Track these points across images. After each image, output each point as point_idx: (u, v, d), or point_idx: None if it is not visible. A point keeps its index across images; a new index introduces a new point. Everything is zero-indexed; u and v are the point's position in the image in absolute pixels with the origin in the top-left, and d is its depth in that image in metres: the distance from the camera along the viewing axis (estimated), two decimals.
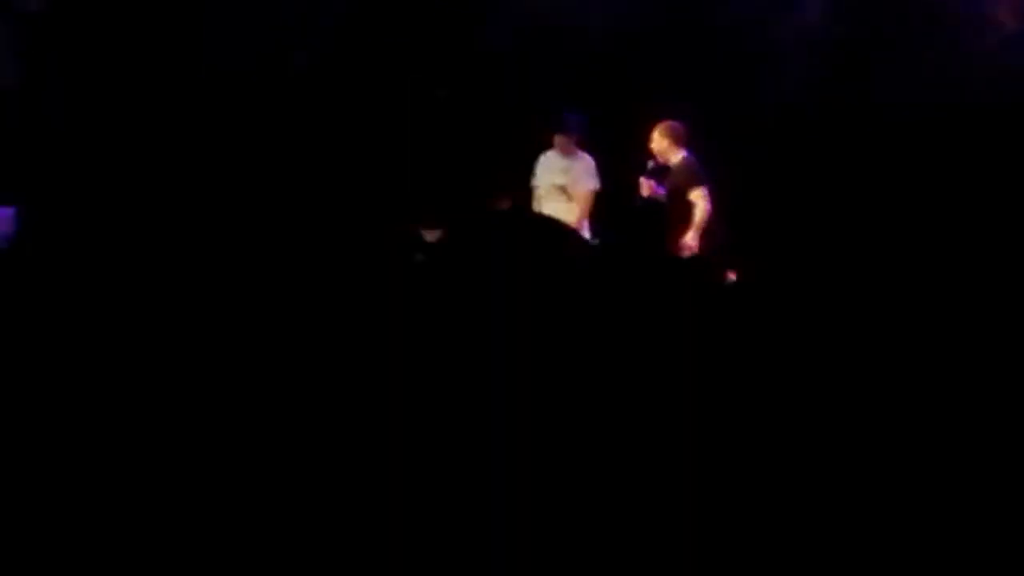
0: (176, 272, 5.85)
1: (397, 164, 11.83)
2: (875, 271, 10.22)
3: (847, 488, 4.64)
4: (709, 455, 4.67)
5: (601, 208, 10.93)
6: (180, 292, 5.57)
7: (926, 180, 11.52)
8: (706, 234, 10.26)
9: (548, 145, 10.97)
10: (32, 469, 4.72)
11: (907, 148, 11.67)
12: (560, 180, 10.82)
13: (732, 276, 9.72)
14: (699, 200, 10.33)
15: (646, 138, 10.61)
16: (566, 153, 10.88)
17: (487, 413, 4.77)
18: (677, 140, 10.48)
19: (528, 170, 11.03)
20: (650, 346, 5.03)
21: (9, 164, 11.16)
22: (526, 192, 10.98)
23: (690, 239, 10.24)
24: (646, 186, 10.51)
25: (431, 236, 10.30)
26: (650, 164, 10.53)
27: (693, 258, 9.76)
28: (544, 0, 12.50)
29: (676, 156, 10.47)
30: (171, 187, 11.15)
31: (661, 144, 10.50)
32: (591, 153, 10.93)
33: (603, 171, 10.93)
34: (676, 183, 10.42)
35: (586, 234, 10.58)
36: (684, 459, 4.67)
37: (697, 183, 10.36)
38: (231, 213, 10.25)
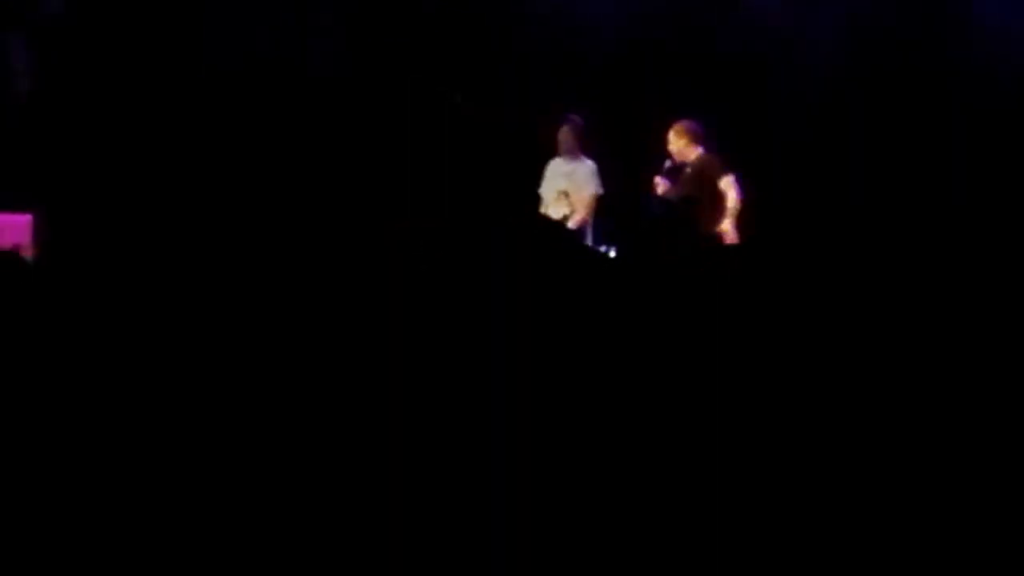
0: (184, 272, 5.99)
1: (403, 167, 11.94)
2: (889, 273, 10.23)
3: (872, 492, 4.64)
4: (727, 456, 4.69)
5: (605, 212, 11.05)
6: (186, 291, 5.70)
7: (942, 181, 11.53)
8: (741, 221, 10.20)
9: (555, 149, 11.10)
10: (46, 474, 4.84)
11: (920, 152, 11.70)
12: (563, 185, 10.92)
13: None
14: (729, 189, 10.25)
15: (662, 139, 10.58)
16: (569, 157, 11.00)
17: (487, 418, 4.85)
18: (694, 138, 10.41)
19: (538, 175, 11.18)
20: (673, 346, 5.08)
21: (22, 169, 11.28)
22: (534, 198, 11.13)
23: (727, 226, 10.16)
24: (661, 185, 10.43)
25: None
26: (667, 164, 10.48)
27: (732, 247, 9.67)
28: (554, 2, 12.54)
29: (694, 154, 10.41)
30: (180, 189, 11.26)
31: (678, 143, 10.43)
32: (596, 156, 11.04)
33: (614, 175, 11.02)
34: (702, 176, 10.33)
35: (587, 239, 10.72)
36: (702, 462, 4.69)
37: (724, 172, 10.28)
38: (237, 215, 10.37)
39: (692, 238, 9.36)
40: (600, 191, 10.93)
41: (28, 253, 9.25)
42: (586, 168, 10.97)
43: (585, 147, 11.05)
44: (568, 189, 10.91)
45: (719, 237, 10.03)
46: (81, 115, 11.88)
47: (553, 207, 10.92)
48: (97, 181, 11.36)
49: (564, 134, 10.99)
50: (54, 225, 10.11)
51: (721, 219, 10.18)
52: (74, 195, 11.08)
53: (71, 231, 10.19)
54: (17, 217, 10.09)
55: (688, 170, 10.38)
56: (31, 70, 12.08)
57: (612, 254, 9.26)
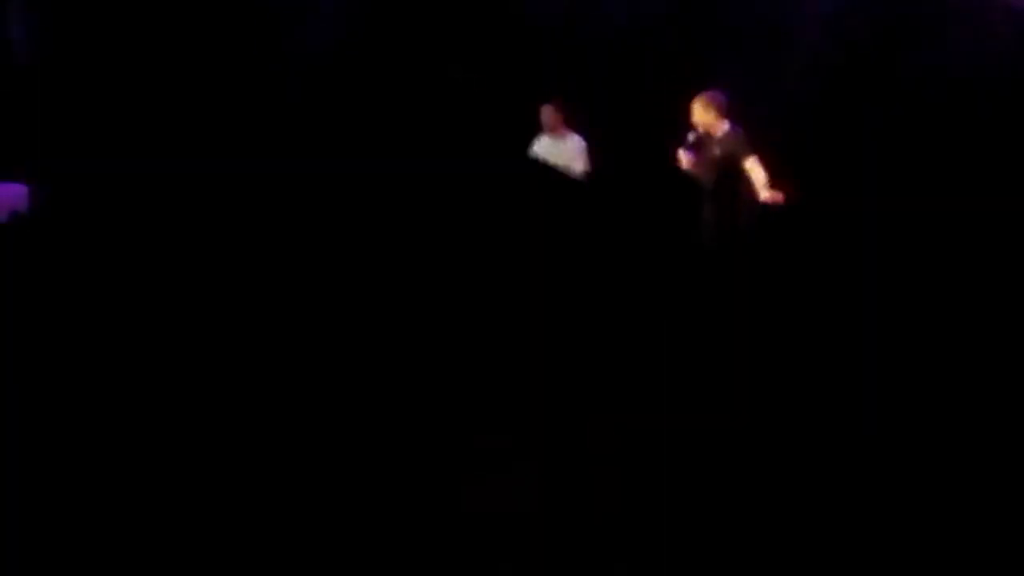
0: (199, 251, 6.02)
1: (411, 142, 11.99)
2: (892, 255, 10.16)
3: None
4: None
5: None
6: (207, 269, 5.74)
7: (943, 162, 11.55)
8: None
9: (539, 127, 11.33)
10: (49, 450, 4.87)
11: (923, 132, 11.72)
12: (552, 162, 11.05)
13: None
14: (755, 166, 10.14)
15: (685, 111, 10.41)
16: (555, 134, 11.24)
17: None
18: (721, 111, 10.26)
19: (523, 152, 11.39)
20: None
21: (20, 139, 11.35)
22: None
23: (773, 195, 10.05)
24: (685, 159, 10.30)
25: None
26: (690, 136, 10.32)
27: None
28: None
29: (722, 127, 10.27)
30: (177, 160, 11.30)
31: (706, 116, 10.25)
32: (583, 133, 11.30)
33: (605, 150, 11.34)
34: (727, 152, 10.22)
35: None
36: None
37: (750, 151, 10.17)
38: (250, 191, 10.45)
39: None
40: (588, 168, 11.19)
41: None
42: (574, 144, 11.24)
43: (569, 124, 11.28)
44: (557, 165, 11.05)
45: (759, 208, 10.04)
46: (78, 85, 11.91)
47: None
48: (94, 151, 11.41)
49: (547, 112, 11.24)
50: (51, 195, 10.17)
51: (750, 197, 10.13)
52: (71, 166, 11.13)
53: (68, 201, 10.25)
54: (14, 187, 10.19)
55: (716, 150, 10.30)
56: (29, 39, 12.10)
57: None
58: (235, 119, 11.93)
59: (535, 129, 11.44)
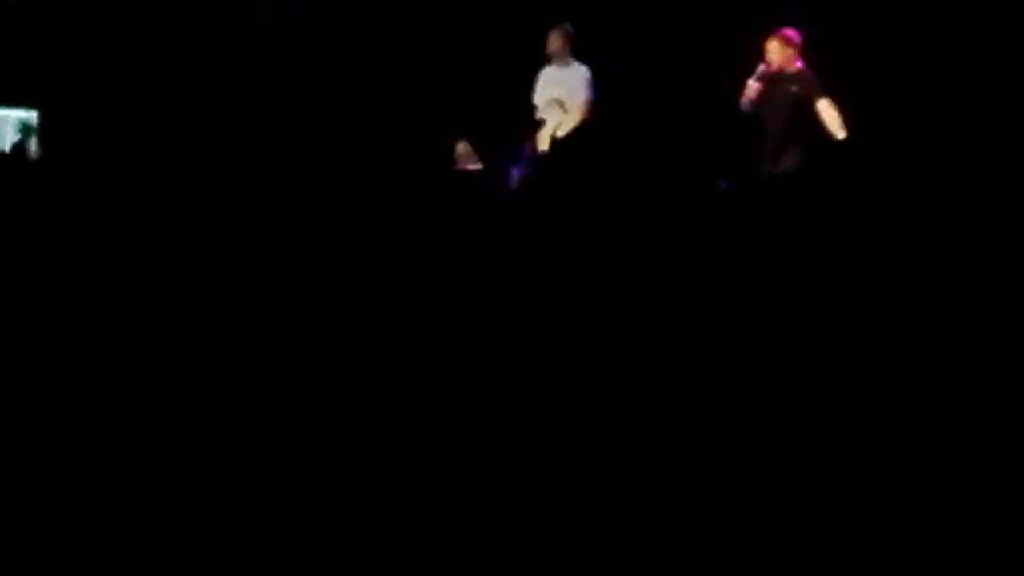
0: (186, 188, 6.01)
1: (415, 88, 11.95)
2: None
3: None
4: None
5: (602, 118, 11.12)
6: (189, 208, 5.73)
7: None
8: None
9: (545, 59, 11.23)
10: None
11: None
12: (557, 92, 11.01)
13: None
14: (829, 107, 10.23)
15: (760, 45, 10.49)
16: (561, 64, 11.10)
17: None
18: (798, 50, 10.39)
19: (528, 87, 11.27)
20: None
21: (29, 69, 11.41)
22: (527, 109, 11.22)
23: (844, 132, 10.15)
24: (754, 89, 10.38)
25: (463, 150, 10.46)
26: (760, 69, 10.40)
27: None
28: None
29: (794, 67, 10.40)
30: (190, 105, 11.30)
31: (784, 52, 10.35)
32: (590, 64, 11.13)
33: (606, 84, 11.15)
34: (803, 90, 10.33)
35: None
36: None
37: (824, 91, 10.27)
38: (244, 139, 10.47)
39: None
40: (592, 97, 11.01)
41: None
42: (579, 74, 11.07)
43: (575, 53, 11.14)
44: (561, 96, 11.01)
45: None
46: (88, 16, 11.92)
47: (547, 114, 11.04)
48: (103, 82, 11.42)
49: (553, 41, 11.10)
50: (58, 123, 10.23)
51: (818, 133, 10.22)
52: (79, 95, 11.16)
53: (74, 130, 10.29)
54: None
55: (793, 88, 10.38)
56: None
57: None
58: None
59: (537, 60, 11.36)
